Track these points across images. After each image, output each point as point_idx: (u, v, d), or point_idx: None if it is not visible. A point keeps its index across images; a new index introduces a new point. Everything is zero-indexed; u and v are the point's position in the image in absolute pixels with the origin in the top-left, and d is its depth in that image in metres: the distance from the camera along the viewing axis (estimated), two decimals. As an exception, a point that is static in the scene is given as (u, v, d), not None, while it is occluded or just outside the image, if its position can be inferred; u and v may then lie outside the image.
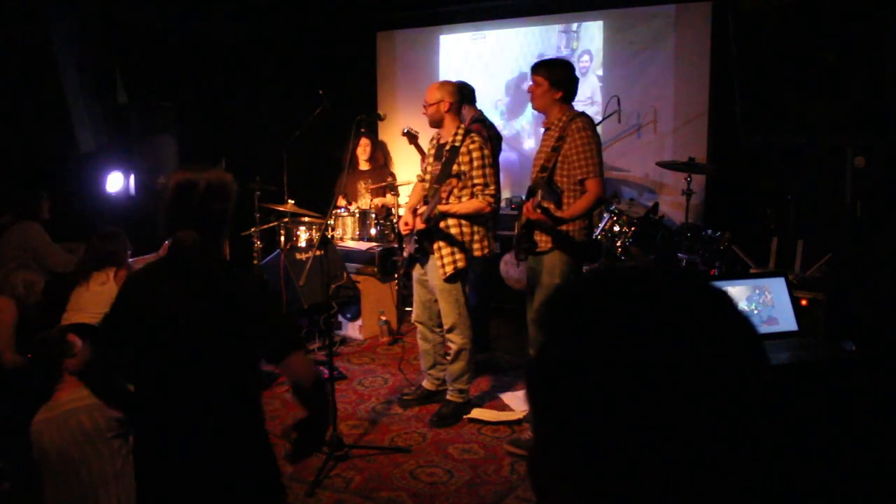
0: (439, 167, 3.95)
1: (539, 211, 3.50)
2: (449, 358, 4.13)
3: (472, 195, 3.88)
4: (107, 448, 2.44)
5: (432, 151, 4.11)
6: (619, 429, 0.58)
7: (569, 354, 0.61)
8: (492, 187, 3.90)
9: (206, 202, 2.00)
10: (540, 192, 3.45)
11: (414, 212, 4.07)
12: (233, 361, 2.00)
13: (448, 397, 4.14)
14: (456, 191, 3.84)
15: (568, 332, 0.63)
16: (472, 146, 3.88)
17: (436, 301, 4.11)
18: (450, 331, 4.03)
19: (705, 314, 0.62)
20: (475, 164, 3.85)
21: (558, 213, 3.56)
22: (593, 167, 3.59)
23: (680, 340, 0.59)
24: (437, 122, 3.98)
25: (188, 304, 1.96)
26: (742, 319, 0.63)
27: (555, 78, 3.65)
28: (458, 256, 3.93)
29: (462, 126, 4.01)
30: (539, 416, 0.64)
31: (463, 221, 3.93)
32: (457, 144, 3.90)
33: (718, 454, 0.58)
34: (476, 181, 3.85)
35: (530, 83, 3.73)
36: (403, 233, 4.12)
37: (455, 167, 3.86)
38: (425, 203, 3.97)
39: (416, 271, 4.14)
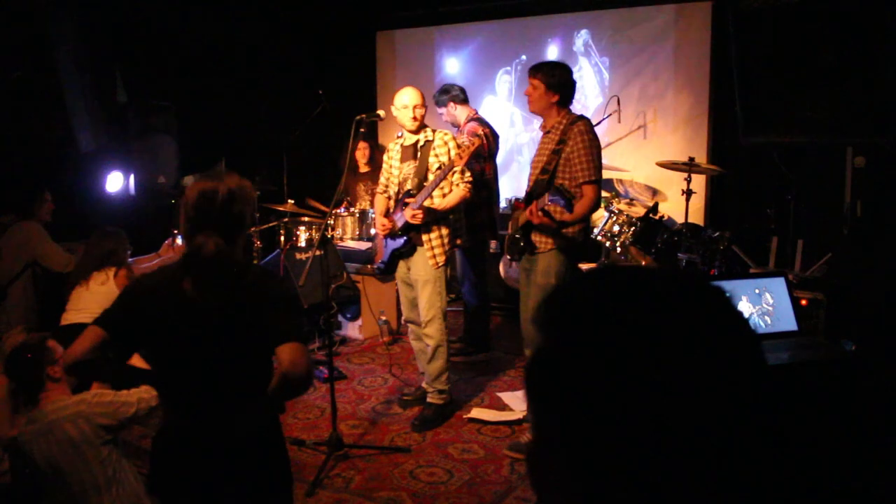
0: (414, 165, 3.99)
1: (541, 214, 3.50)
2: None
3: (451, 184, 3.94)
4: (96, 456, 2.39)
5: (396, 156, 4.12)
6: (618, 427, 0.58)
7: (567, 354, 0.61)
8: (468, 173, 3.94)
9: (227, 208, 2.03)
10: (547, 195, 3.44)
11: (387, 215, 4.09)
12: (256, 358, 2.06)
13: (429, 400, 4.11)
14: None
15: (566, 332, 0.63)
16: (446, 137, 3.97)
17: None
18: (428, 324, 4.01)
19: (703, 313, 0.62)
20: (453, 152, 3.91)
21: (560, 217, 3.57)
22: (594, 171, 3.60)
23: (678, 339, 0.59)
24: (422, 126, 4.00)
25: (213, 306, 1.99)
26: (740, 318, 0.63)
27: (551, 81, 3.65)
28: (446, 248, 4.00)
29: (427, 126, 4.07)
30: (538, 415, 0.64)
31: (450, 214, 4.00)
32: (430, 138, 3.96)
33: (717, 452, 0.58)
34: (454, 170, 3.88)
35: (529, 85, 3.74)
36: (382, 234, 4.12)
37: (433, 160, 3.91)
38: (402, 204, 3.98)
39: (400, 270, 4.15)
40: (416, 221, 3.87)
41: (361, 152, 6.12)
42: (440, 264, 3.96)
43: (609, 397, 0.58)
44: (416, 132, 4.01)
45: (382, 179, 4.25)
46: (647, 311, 0.60)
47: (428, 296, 3.99)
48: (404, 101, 3.96)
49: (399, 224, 3.99)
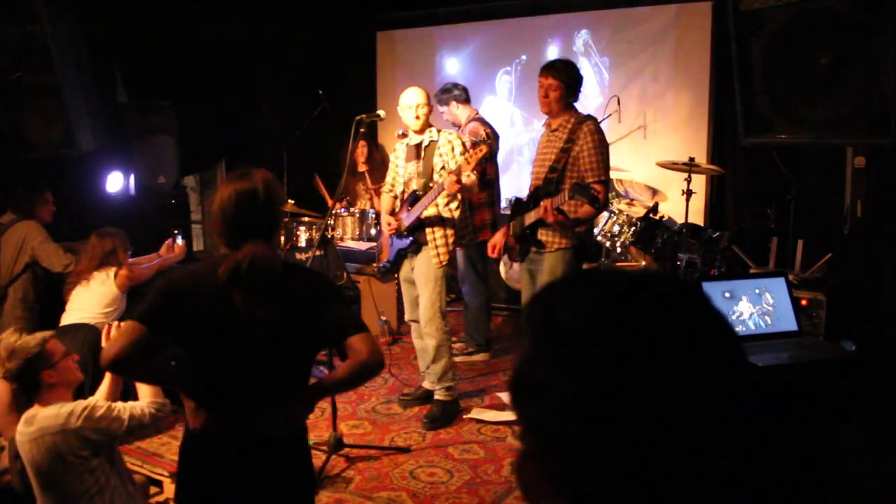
0: (419, 165, 4.00)
1: (556, 212, 3.53)
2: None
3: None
4: (85, 467, 2.35)
5: (401, 155, 4.13)
6: (618, 430, 0.57)
7: (545, 365, 0.61)
8: (474, 175, 3.94)
9: (268, 207, 2.04)
10: (565, 193, 3.46)
11: (393, 214, 4.10)
12: (300, 359, 2.08)
13: (437, 398, 4.12)
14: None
15: (544, 342, 0.62)
16: (450, 137, 3.98)
17: None
18: (428, 324, 4.02)
19: (698, 314, 0.62)
20: (457, 150, 3.94)
21: (575, 215, 3.61)
22: (603, 171, 3.64)
23: (677, 340, 0.59)
24: (426, 126, 4.01)
25: (266, 310, 1.97)
26: (720, 321, 0.63)
27: (570, 80, 3.68)
28: (450, 247, 4.02)
29: (432, 126, 4.07)
30: (529, 422, 0.64)
31: (454, 211, 3.99)
32: (434, 139, 3.98)
33: (718, 452, 0.58)
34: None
35: (544, 85, 3.72)
36: (389, 233, 4.13)
37: (438, 160, 3.92)
38: (412, 199, 3.98)
39: (404, 270, 4.15)
40: (453, 190, 3.75)
41: (360, 151, 6.13)
42: (443, 262, 3.98)
43: (608, 400, 0.57)
44: (421, 132, 4.02)
45: (388, 178, 4.27)
46: (644, 314, 0.60)
47: (429, 294, 4.00)
48: (408, 101, 3.98)
49: (406, 223, 3.99)
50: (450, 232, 4.00)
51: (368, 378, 2.12)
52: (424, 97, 4.00)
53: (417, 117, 3.97)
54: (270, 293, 1.98)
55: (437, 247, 3.97)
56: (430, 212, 3.95)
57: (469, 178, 3.80)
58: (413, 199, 3.99)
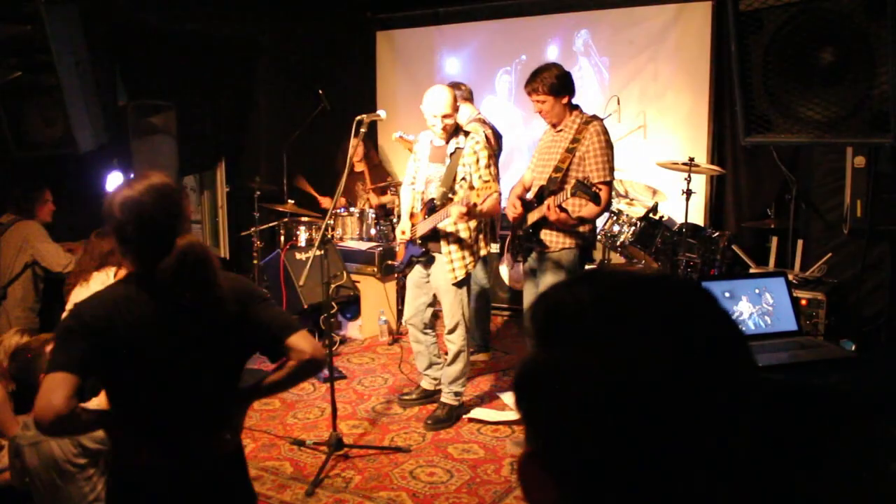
0: (443, 171, 3.90)
1: (559, 210, 3.53)
2: (446, 358, 4.12)
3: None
4: (81, 474, 2.36)
5: (425, 151, 4.03)
6: (597, 438, 0.57)
7: (547, 365, 0.61)
8: (497, 183, 3.89)
9: (183, 203, 1.89)
10: (567, 191, 3.47)
11: (411, 217, 4.06)
12: (236, 368, 1.97)
13: (443, 399, 4.12)
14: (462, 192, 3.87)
15: (547, 343, 0.62)
16: (476, 146, 3.84)
17: (430, 304, 4.11)
18: (451, 332, 4.02)
19: (700, 313, 0.62)
20: (482, 163, 3.83)
21: (578, 213, 3.61)
22: (608, 172, 3.64)
23: (679, 340, 0.59)
24: (452, 133, 3.87)
25: (199, 314, 1.84)
26: (726, 321, 0.63)
27: (555, 87, 3.65)
28: (468, 260, 3.95)
29: (460, 126, 4.00)
30: (524, 423, 0.64)
31: (472, 223, 3.92)
32: (460, 145, 3.87)
33: (719, 452, 0.58)
34: (484, 179, 3.84)
35: (535, 101, 3.72)
36: (402, 242, 4.10)
37: (461, 169, 3.84)
38: (429, 208, 3.95)
39: (415, 274, 4.13)
40: (460, 221, 3.79)
41: (354, 150, 6.12)
42: (458, 279, 3.91)
43: (610, 401, 0.57)
44: (448, 140, 3.88)
45: (410, 171, 4.16)
46: (647, 314, 0.60)
47: (449, 304, 3.98)
48: (432, 109, 3.78)
49: (420, 232, 3.96)
50: (466, 245, 3.91)
51: (312, 375, 2.02)
52: (449, 104, 3.77)
53: (444, 129, 3.80)
54: (204, 302, 1.82)
55: (451, 261, 3.91)
56: (445, 223, 3.87)
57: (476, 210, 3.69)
58: (431, 208, 3.93)
